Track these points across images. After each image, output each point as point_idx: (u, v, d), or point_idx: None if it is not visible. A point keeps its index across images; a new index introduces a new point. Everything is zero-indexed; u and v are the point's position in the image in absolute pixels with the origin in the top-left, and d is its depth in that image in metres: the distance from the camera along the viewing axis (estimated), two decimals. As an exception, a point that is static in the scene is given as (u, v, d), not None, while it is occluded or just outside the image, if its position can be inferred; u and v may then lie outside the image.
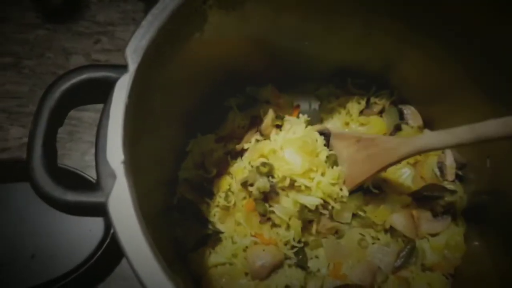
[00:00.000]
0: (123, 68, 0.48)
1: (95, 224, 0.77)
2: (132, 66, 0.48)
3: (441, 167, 0.78)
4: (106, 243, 0.74)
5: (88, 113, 0.86)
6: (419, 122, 0.82)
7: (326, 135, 0.75)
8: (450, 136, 0.59)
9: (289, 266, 0.73)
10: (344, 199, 0.71)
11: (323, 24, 0.70)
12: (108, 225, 0.76)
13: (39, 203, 0.75)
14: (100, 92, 0.49)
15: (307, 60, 0.77)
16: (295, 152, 0.70)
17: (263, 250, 0.71)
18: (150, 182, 0.62)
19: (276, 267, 0.72)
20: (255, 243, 0.73)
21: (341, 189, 0.71)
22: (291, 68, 0.78)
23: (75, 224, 0.78)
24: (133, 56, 0.48)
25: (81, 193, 0.48)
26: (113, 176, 0.44)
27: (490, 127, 0.55)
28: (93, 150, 0.81)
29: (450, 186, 0.77)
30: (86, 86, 0.52)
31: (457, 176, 0.78)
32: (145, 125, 0.55)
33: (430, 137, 0.63)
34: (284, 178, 0.69)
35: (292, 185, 0.70)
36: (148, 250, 0.44)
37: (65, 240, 0.77)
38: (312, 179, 0.69)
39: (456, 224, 0.76)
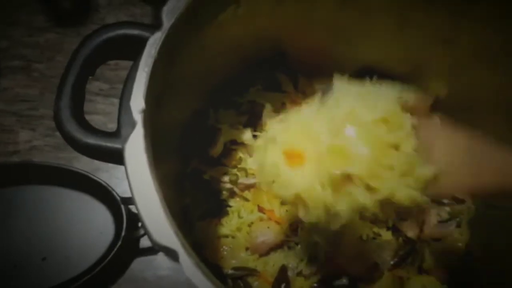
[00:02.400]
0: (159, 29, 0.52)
1: (106, 227, 0.79)
2: (167, 24, 0.52)
3: None
4: (117, 246, 0.75)
5: (98, 116, 0.88)
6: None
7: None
8: None
9: (289, 248, 0.76)
10: None
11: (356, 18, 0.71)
12: (119, 228, 0.76)
13: (49, 206, 0.77)
14: (134, 49, 0.53)
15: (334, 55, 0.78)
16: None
17: (268, 227, 0.75)
18: (165, 146, 0.64)
19: (277, 246, 0.75)
20: (261, 219, 0.76)
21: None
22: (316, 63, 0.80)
23: (86, 226, 0.79)
24: (168, 15, 0.52)
25: (102, 138, 0.54)
26: (133, 124, 0.48)
27: None
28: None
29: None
30: (122, 41, 0.57)
31: None
32: (170, 87, 0.59)
33: None
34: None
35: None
36: (156, 197, 0.46)
37: (75, 242, 0.78)
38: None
39: (460, 233, 0.77)
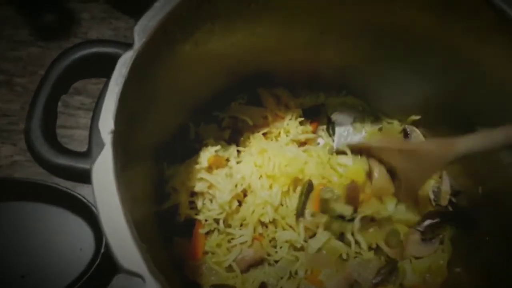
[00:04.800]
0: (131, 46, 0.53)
1: (86, 243, 0.79)
2: (138, 44, 0.52)
3: (437, 191, 0.80)
4: (97, 262, 0.75)
5: (79, 131, 0.88)
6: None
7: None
8: (489, 139, 0.59)
9: (269, 264, 0.76)
10: None
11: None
12: (99, 244, 0.76)
13: (28, 222, 0.77)
14: (107, 66, 0.53)
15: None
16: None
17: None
18: (140, 165, 0.66)
19: (257, 263, 0.76)
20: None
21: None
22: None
23: (66, 242, 0.79)
24: (140, 34, 0.52)
25: (72, 158, 0.54)
26: (102, 145, 0.48)
27: None
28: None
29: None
30: (95, 59, 0.58)
31: (450, 202, 0.80)
32: (146, 105, 0.60)
33: (471, 140, 0.62)
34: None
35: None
36: (123, 220, 0.46)
37: (55, 259, 0.79)
38: None
39: (442, 250, 0.78)
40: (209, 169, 0.76)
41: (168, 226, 0.76)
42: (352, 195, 0.75)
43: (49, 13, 0.97)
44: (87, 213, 0.78)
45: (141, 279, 0.43)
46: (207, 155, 0.75)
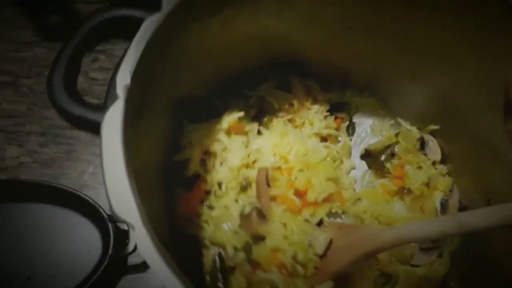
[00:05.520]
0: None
1: (93, 244, 0.78)
2: (165, 9, 0.53)
3: (445, 204, 0.79)
4: (105, 264, 0.74)
5: (86, 133, 0.86)
6: (438, 157, 0.83)
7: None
8: (435, 226, 0.58)
9: None
10: None
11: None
12: (106, 245, 0.76)
13: (35, 223, 0.77)
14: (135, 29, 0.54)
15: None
16: None
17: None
18: (152, 128, 0.66)
19: None
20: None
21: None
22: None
23: (73, 244, 0.79)
24: (168, 0, 0.53)
25: (87, 110, 0.58)
26: (116, 98, 0.50)
27: (477, 216, 0.55)
28: (90, 169, 0.82)
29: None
30: (122, 21, 0.60)
31: None
32: (162, 68, 0.60)
33: (413, 227, 0.62)
34: None
35: None
36: (123, 169, 0.47)
37: (62, 261, 0.78)
38: None
39: (440, 263, 0.78)
40: (228, 132, 0.76)
41: (173, 179, 0.76)
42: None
43: (53, 14, 0.97)
44: (94, 215, 0.78)
45: (132, 228, 0.45)
46: (229, 118, 0.76)
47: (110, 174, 0.47)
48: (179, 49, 0.61)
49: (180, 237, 0.74)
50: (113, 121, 0.48)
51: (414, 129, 0.85)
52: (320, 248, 0.68)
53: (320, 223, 0.73)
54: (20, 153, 0.87)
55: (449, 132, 0.81)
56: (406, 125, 0.86)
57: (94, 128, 0.55)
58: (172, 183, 0.76)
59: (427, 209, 0.79)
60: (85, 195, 0.78)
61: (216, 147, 0.75)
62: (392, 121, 0.87)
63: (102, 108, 0.54)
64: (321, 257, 0.68)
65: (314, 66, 0.84)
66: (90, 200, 0.77)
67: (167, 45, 0.57)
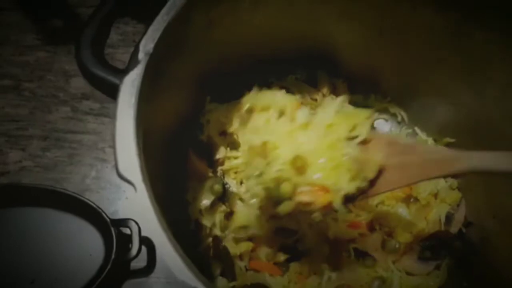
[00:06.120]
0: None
1: (96, 249, 0.78)
2: None
3: (450, 217, 0.80)
4: (107, 268, 0.74)
5: (88, 136, 0.88)
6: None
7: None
8: (508, 160, 0.53)
9: None
10: None
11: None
12: (109, 250, 0.75)
13: (37, 228, 0.76)
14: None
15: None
16: None
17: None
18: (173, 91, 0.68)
19: None
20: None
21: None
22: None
23: (75, 248, 0.78)
24: None
25: (109, 73, 0.57)
26: (138, 63, 0.53)
27: None
28: (93, 173, 0.82)
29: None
30: None
31: (459, 231, 0.80)
32: (186, 42, 0.63)
33: (487, 157, 0.55)
34: None
35: None
36: (132, 131, 0.50)
37: (65, 265, 0.78)
38: None
39: (437, 275, 0.78)
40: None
41: (188, 143, 0.79)
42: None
43: (56, 18, 0.97)
44: (97, 219, 0.77)
45: (133, 188, 0.49)
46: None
47: (120, 135, 0.50)
48: (209, 24, 0.63)
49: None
50: (131, 84, 0.51)
51: (430, 140, 0.85)
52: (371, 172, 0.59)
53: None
54: (23, 157, 0.88)
55: (464, 147, 0.80)
56: (422, 135, 0.86)
57: (113, 91, 0.56)
58: (186, 147, 0.78)
59: (431, 219, 0.80)
60: (87, 199, 0.78)
61: (234, 126, 0.77)
62: (410, 130, 0.88)
63: (124, 71, 0.56)
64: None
65: (343, 65, 0.84)
66: (93, 205, 0.77)
67: (196, 18, 0.59)
